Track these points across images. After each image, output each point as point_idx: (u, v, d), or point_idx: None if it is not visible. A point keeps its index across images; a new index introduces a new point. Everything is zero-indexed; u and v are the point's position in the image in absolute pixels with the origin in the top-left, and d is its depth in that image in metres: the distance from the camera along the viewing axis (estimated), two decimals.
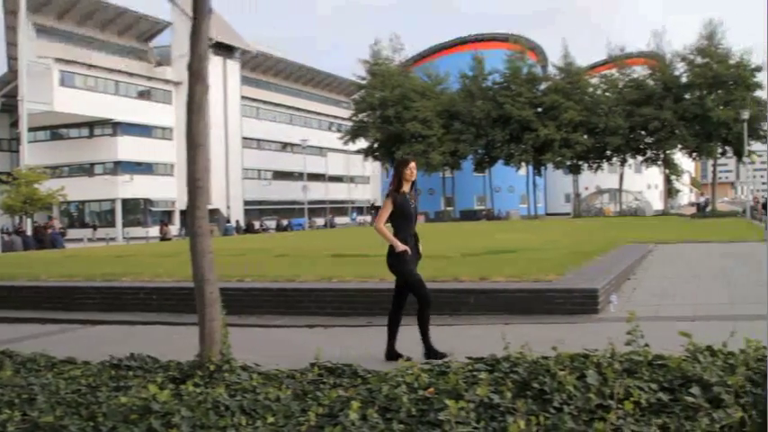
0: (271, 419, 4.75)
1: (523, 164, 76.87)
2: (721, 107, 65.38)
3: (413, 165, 8.36)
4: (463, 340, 9.16)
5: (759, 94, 65.59)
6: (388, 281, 13.07)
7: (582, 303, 11.25)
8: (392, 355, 8.19)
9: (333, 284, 13.14)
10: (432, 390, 5.15)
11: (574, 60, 77.73)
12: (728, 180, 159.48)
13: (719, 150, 71.53)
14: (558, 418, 4.39)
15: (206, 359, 6.42)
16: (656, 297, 12.50)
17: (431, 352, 8.10)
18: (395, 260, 8.21)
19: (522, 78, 76.21)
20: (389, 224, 8.29)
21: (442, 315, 11.35)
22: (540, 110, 74.98)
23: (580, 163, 76.81)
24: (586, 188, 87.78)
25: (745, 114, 55.17)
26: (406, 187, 8.29)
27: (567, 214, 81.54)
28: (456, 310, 11.51)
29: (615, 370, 5.17)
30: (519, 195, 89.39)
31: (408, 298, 8.33)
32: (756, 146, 73.75)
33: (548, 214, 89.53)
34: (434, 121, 75.02)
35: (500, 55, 79.24)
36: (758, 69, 65.51)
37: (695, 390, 4.63)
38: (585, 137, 73.71)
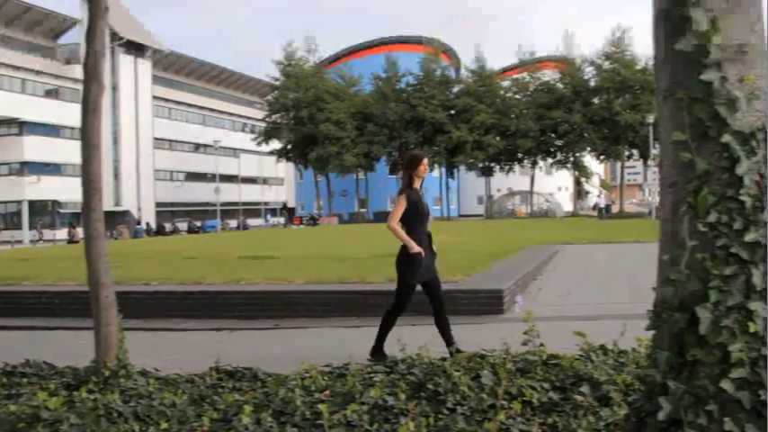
0: (164, 425, 4.66)
1: (436, 166, 77.38)
2: (628, 111, 66.91)
3: (426, 161, 8.09)
4: (371, 342, 9.16)
5: None
6: (297, 283, 13.04)
7: (488, 304, 11.35)
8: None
9: (241, 287, 13.01)
10: (327, 392, 5.12)
11: (486, 63, 78.65)
12: (637, 182, 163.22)
13: (627, 153, 73.26)
14: (450, 418, 4.41)
15: (101, 365, 6.27)
16: (560, 297, 12.70)
17: (376, 352, 8.00)
18: (405, 262, 7.89)
19: (435, 81, 76.79)
20: (401, 223, 7.90)
21: (350, 317, 11.36)
22: (452, 112, 75.64)
23: (492, 165, 77.69)
24: (498, 190, 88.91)
25: (651, 118, 56.48)
26: (417, 184, 8.04)
27: (480, 216, 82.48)
28: (365, 312, 11.48)
29: (509, 370, 5.22)
30: (432, 197, 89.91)
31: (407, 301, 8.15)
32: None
33: (461, 216, 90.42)
34: (348, 123, 75.05)
35: (414, 57, 79.63)
36: None
37: (585, 388, 4.70)
38: (497, 139, 74.61)
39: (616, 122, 67.02)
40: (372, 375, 5.63)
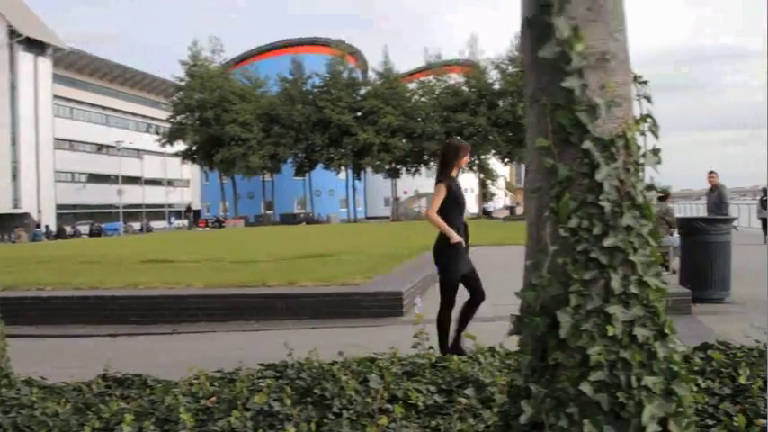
0: None
1: (343, 168, 77.55)
2: None
3: (467, 149, 7.89)
4: (270, 346, 9.09)
5: None
6: (196, 287, 12.88)
7: (388, 306, 11.42)
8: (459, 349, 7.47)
9: (139, 291, 12.79)
10: (214, 399, 5.05)
11: (393, 66, 79.18)
12: None
13: None
14: (335, 423, 4.39)
15: None
16: (460, 298, 12.79)
17: (455, 349, 7.53)
18: (444, 252, 7.64)
19: (342, 83, 77.00)
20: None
21: (249, 321, 11.29)
22: (359, 114, 75.91)
23: (399, 167, 78.27)
24: (405, 192, 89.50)
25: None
26: (454, 173, 7.76)
27: (387, 218, 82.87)
28: (264, 316, 11.44)
29: (395, 373, 5.23)
30: (339, 199, 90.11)
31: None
32: None
33: (368, 218, 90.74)
34: (254, 125, 74.63)
35: (321, 59, 79.63)
36: None
37: (469, 390, 4.75)
38: (404, 141, 75.20)
39: (520, 125, 68.07)
40: (262, 381, 5.57)
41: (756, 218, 29.58)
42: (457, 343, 7.69)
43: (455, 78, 77.14)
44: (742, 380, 4.79)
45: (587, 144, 2.94)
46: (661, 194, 16.94)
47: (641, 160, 3.06)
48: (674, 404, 2.91)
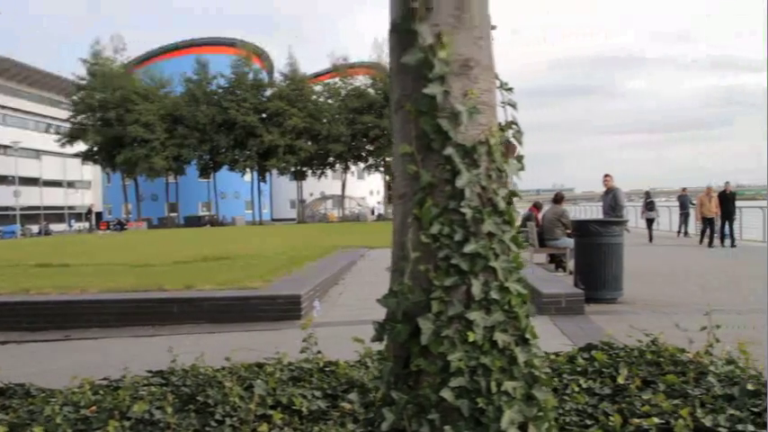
0: None
1: (248, 170, 76.86)
2: None
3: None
4: (163, 352, 8.93)
5: None
6: (90, 292, 12.56)
7: (286, 310, 11.32)
8: None
9: (29, 297, 12.38)
10: (94, 408, 4.92)
11: (299, 67, 78.89)
12: None
13: None
14: (218, 430, 4.33)
15: None
16: (359, 301, 12.82)
17: None
18: None
19: (247, 84, 76.30)
20: None
21: (145, 326, 11.06)
22: (264, 116, 75.35)
23: (304, 169, 77.97)
24: (311, 194, 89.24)
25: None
26: None
27: (293, 220, 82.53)
28: (161, 320, 11.22)
29: (279, 379, 5.19)
30: (244, 201, 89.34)
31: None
32: None
33: (273, 220, 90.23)
34: (157, 125, 73.35)
35: (226, 60, 78.82)
36: None
37: (353, 395, 4.73)
38: (309, 143, 74.97)
39: None
40: (146, 388, 5.46)
41: (641, 219, 32.25)
42: None
43: (361, 80, 77.26)
44: (620, 380, 4.89)
45: (449, 150, 2.95)
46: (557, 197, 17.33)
47: (504, 167, 3.08)
48: (534, 408, 2.94)
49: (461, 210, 2.95)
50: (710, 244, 24.77)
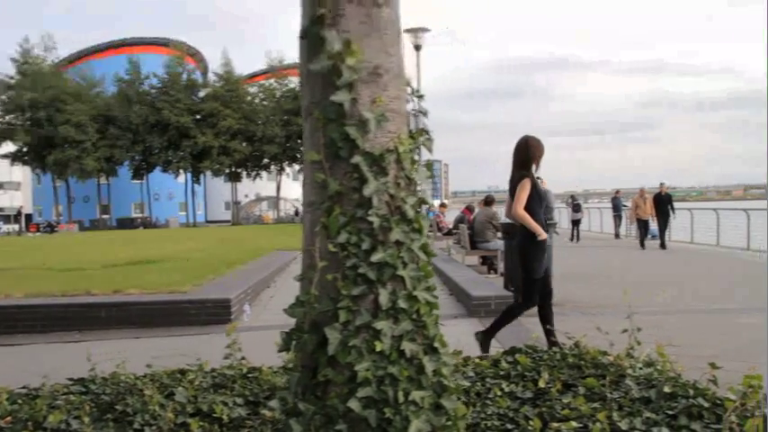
0: None
1: (182, 171, 76.07)
2: None
3: (543, 144, 7.63)
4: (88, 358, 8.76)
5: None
6: (15, 297, 12.27)
7: (216, 314, 11.20)
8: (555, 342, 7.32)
9: None
10: (9, 419, 4.79)
11: (234, 68, 78.29)
12: None
13: None
14: None
15: None
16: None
17: (485, 341, 7.64)
18: (530, 248, 7.46)
19: (181, 84, 75.48)
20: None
21: (71, 331, 10.86)
22: (198, 117, 74.64)
23: (239, 170, 77.46)
24: (246, 196, 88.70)
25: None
26: (534, 168, 7.52)
27: (228, 221, 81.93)
28: (89, 326, 11.02)
29: (199, 386, 5.12)
30: (178, 203, 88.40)
31: None
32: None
33: (208, 222, 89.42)
34: (89, 126, 72.13)
35: (159, 60, 77.88)
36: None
37: (274, 402, 4.68)
38: (244, 145, 74.48)
39: None
40: (64, 397, 5.33)
41: (570, 220, 32.95)
42: (553, 336, 7.68)
43: (296, 82, 76.95)
44: (541, 383, 4.93)
45: (357, 159, 2.93)
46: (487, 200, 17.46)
47: (413, 175, 3.07)
48: (443, 418, 2.93)
49: (369, 218, 2.93)
50: (642, 245, 24.86)
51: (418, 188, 3.11)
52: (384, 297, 2.91)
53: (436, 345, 3.01)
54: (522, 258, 7.63)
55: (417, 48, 24.38)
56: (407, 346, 2.92)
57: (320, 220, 2.98)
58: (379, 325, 2.89)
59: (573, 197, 34.83)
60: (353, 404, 2.81)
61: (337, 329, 2.89)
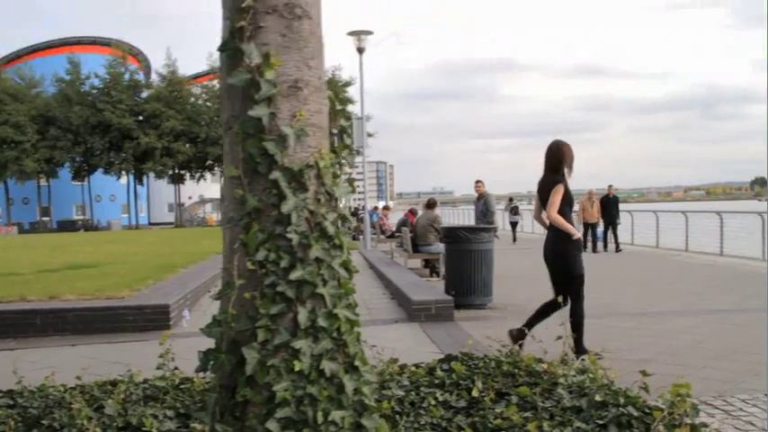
0: None
1: (124, 173, 75.08)
2: None
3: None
4: (23, 367, 8.57)
5: (349, 108, 69.65)
6: None
7: (154, 320, 11.06)
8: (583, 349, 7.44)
9: None
10: None
11: (177, 68, 77.46)
12: None
13: None
14: None
15: None
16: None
17: (521, 335, 7.69)
18: (567, 249, 7.73)
19: (123, 85, 74.39)
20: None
21: (5, 339, 10.64)
22: (141, 118, 73.69)
23: (182, 172, 76.67)
24: (190, 197, 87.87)
25: (335, 129, 58.12)
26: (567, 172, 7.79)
27: (171, 224, 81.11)
28: (23, 333, 10.80)
29: (129, 399, 5.02)
30: (121, 205, 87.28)
31: None
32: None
33: (151, 224, 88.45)
34: (28, 126, 70.75)
35: (100, 59, 76.72)
36: (348, 84, 69.68)
37: (203, 414, 4.61)
38: (187, 146, 73.72)
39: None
40: None
41: (508, 222, 33.88)
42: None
43: None
44: (475, 393, 4.91)
45: (275, 174, 2.88)
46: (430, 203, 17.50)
47: (334, 190, 3.03)
48: None
49: (288, 235, 2.88)
50: (594, 249, 24.54)
51: (340, 204, 3.08)
52: (303, 316, 2.87)
53: (357, 363, 2.97)
54: (563, 260, 7.84)
55: (360, 50, 24.35)
56: (327, 365, 2.88)
57: (239, 237, 2.93)
58: (298, 344, 2.85)
59: (511, 199, 36.10)
60: (272, 425, 2.77)
61: (255, 349, 2.84)
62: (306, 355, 2.85)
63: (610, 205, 24.59)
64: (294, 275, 2.87)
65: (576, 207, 30.10)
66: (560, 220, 7.64)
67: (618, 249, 24.31)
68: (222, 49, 3.00)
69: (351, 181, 3.08)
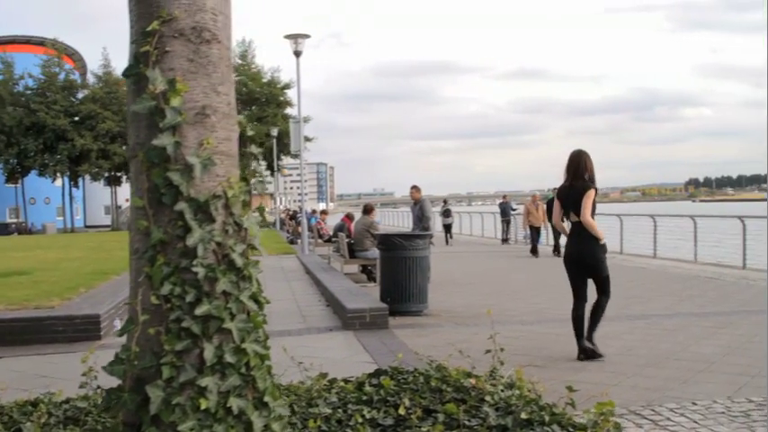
0: None
1: (59, 175, 73.73)
2: (255, 123, 68.06)
3: None
4: None
5: (288, 111, 69.41)
6: None
7: (84, 330, 10.81)
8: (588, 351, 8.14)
9: None
10: None
11: (114, 69, 76.31)
12: (268, 191, 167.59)
13: (252, 166, 74.53)
14: None
15: None
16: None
17: (587, 351, 8.14)
18: (599, 251, 8.20)
19: (58, 85, 73.06)
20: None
21: None
22: (77, 119, 72.45)
23: (119, 174, 75.55)
24: (127, 200, 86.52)
25: (275, 131, 57.92)
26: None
27: (108, 227, 79.97)
28: None
29: (48, 422, 4.86)
30: (56, 207, 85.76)
31: None
32: (287, 160, 77.94)
33: (87, 227, 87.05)
34: None
35: (34, 59, 75.23)
36: (287, 87, 69.35)
37: None
38: (124, 148, 72.65)
39: (241, 134, 67.84)
40: None
41: (441, 225, 33.80)
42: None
43: None
44: (401, 410, 4.86)
45: (181, 206, 2.79)
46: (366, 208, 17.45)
47: (243, 221, 2.95)
48: None
49: (194, 269, 2.79)
50: (534, 252, 24.10)
51: (250, 234, 2.99)
52: (209, 352, 2.78)
53: (267, 399, 2.89)
54: (596, 261, 8.24)
55: (297, 54, 24.22)
56: (235, 403, 2.80)
57: (144, 270, 2.84)
58: (205, 381, 2.76)
59: (445, 201, 36.59)
60: None
61: (160, 387, 2.74)
62: (212, 393, 2.77)
63: None
64: (200, 310, 2.78)
65: (517, 209, 30.30)
66: (593, 224, 8.08)
67: (558, 253, 23.64)
68: (126, 74, 2.90)
69: (261, 209, 2.99)
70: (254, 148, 3.05)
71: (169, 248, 2.82)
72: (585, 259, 8.26)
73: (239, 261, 2.89)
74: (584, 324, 8.28)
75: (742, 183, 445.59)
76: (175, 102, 2.79)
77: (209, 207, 2.84)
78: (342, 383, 5.73)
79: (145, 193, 2.83)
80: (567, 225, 8.48)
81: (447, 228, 33.49)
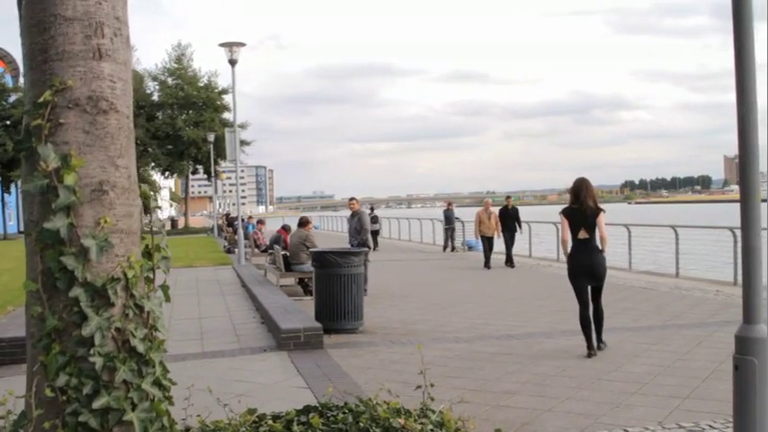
0: None
1: None
2: (191, 127, 67.24)
3: None
4: None
5: (226, 116, 68.64)
6: None
7: (12, 353, 10.39)
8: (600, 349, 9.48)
9: None
10: None
11: None
12: (208, 194, 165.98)
13: (191, 169, 73.61)
14: None
15: None
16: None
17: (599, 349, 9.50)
18: (605, 263, 9.50)
19: None
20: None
21: None
22: (8, 123, 70.78)
23: None
24: None
25: (212, 136, 57.24)
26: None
27: None
28: None
29: None
30: None
31: None
32: (226, 164, 77.07)
33: (21, 232, 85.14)
34: None
35: None
36: (224, 92, 68.56)
37: None
38: None
39: (180, 138, 67.04)
40: None
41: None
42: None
43: None
44: None
45: (76, 291, 2.63)
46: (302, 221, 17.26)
47: (144, 302, 2.80)
48: None
49: (91, 359, 2.64)
50: (487, 264, 22.49)
51: (153, 317, 2.84)
52: None
53: None
54: (605, 270, 9.46)
55: (232, 63, 23.91)
56: None
57: (39, 359, 2.67)
58: None
59: (372, 208, 36.27)
60: None
61: None
62: None
63: (508, 217, 22.69)
64: (98, 403, 2.63)
65: (471, 218, 29.33)
66: (607, 240, 9.45)
67: (511, 264, 22.62)
68: (16, 149, 2.72)
69: (165, 289, 2.84)
70: (156, 220, 2.89)
71: (65, 336, 2.66)
72: (598, 269, 9.32)
73: (141, 347, 2.73)
74: (591, 326, 9.42)
75: (676, 185, 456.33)
76: (69, 179, 2.62)
77: (107, 291, 2.68)
78: (270, 421, 5.59)
79: (39, 276, 2.66)
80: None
81: (374, 234, 32.49)
